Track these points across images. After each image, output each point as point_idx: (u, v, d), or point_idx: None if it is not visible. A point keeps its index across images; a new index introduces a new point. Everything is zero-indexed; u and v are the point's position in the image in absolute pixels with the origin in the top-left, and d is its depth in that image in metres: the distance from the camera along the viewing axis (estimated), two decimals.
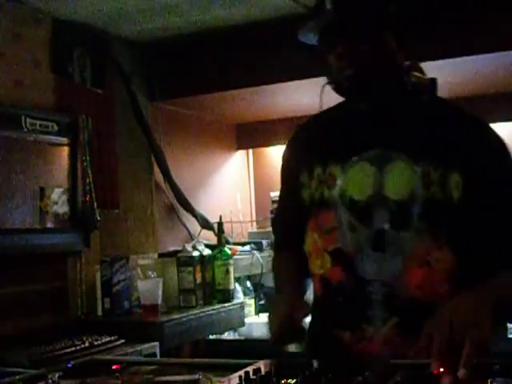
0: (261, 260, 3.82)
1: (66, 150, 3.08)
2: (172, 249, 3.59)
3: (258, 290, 3.92)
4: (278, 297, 1.68)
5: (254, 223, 4.49)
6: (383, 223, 1.50)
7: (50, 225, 2.98)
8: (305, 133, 1.74)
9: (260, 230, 4.34)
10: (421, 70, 1.65)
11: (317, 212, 1.60)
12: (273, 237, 1.88)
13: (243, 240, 4.09)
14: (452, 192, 1.49)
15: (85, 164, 3.11)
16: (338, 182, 1.56)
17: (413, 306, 1.48)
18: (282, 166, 1.75)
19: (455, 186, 1.49)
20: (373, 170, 1.53)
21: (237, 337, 3.64)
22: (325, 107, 1.69)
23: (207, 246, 3.46)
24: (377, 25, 1.53)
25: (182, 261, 3.26)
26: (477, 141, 1.54)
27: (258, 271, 3.83)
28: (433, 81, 1.65)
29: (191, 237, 3.83)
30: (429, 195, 1.49)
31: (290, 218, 1.73)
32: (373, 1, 1.56)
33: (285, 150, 1.75)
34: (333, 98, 1.64)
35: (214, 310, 3.23)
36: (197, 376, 1.41)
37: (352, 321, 1.54)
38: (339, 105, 1.68)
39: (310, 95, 3.88)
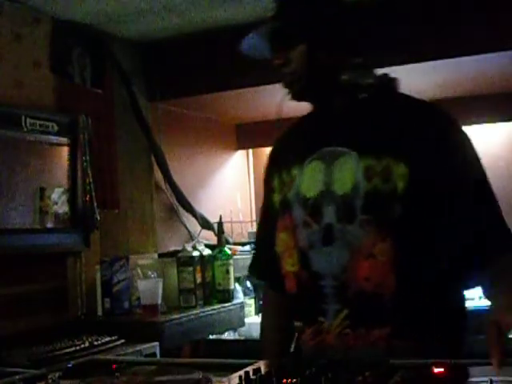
0: None
1: (65, 150, 3.08)
2: (172, 249, 3.59)
3: (257, 290, 3.92)
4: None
5: (254, 223, 4.49)
6: (331, 218, 1.55)
7: (50, 225, 2.98)
8: (277, 144, 1.82)
9: None
10: (370, 67, 1.66)
11: (282, 213, 1.66)
12: None
13: (243, 240, 4.09)
14: (396, 183, 1.50)
15: (85, 164, 3.11)
16: (296, 182, 1.63)
17: (362, 297, 1.52)
18: (263, 180, 1.81)
19: (400, 177, 1.50)
20: (323, 167, 1.58)
21: (237, 337, 3.64)
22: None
23: (207, 246, 3.46)
24: (311, 30, 1.59)
25: (182, 261, 3.26)
26: (425, 130, 1.55)
27: None
28: (384, 77, 1.66)
29: (191, 237, 3.84)
30: (370, 187, 1.51)
31: (270, 232, 1.73)
32: (307, 7, 1.60)
33: (264, 166, 1.83)
34: None
35: (213, 310, 3.23)
36: (197, 376, 1.41)
37: (310, 314, 1.59)
38: (308, 113, 1.76)
39: None
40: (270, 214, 1.73)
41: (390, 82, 1.66)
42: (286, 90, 1.66)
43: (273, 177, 1.72)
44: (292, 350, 1.61)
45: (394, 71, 3.57)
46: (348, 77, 1.60)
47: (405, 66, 3.24)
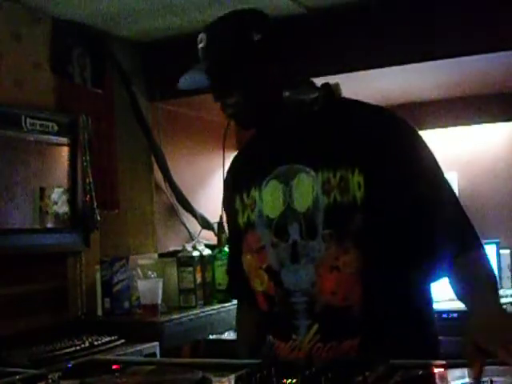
0: None
1: (65, 150, 3.08)
2: (172, 249, 3.59)
3: None
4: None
5: None
6: (296, 236, 1.56)
7: (50, 225, 2.98)
8: (235, 162, 1.83)
9: None
10: (307, 82, 1.65)
11: (246, 234, 1.67)
12: None
13: None
14: (355, 193, 1.50)
15: (85, 164, 3.11)
16: (257, 203, 1.63)
17: (330, 311, 1.53)
18: (223, 196, 1.82)
19: (357, 186, 1.50)
20: (281, 186, 1.59)
21: None
22: None
23: (207, 246, 3.46)
24: (243, 61, 1.57)
25: (182, 261, 3.26)
26: (375, 135, 1.54)
27: None
28: (326, 87, 1.64)
29: (191, 237, 3.83)
30: (330, 201, 1.52)
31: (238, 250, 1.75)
32: (233, 39, 1.59)
33: (224, 181, 1.84)
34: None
35: (213, 310, 3.23)
36: (197, 376, 1.41)
37: (284, 331, 1.61)
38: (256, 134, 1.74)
39: None
40: (237, 235, 1.73)
41: (332, 91, 1.64)
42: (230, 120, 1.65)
43: (234, 199, 1.71)
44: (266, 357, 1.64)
45: (393, 71, 3.59)
46: (291, 96, 1.59)
47: (405, 66, 3.25)
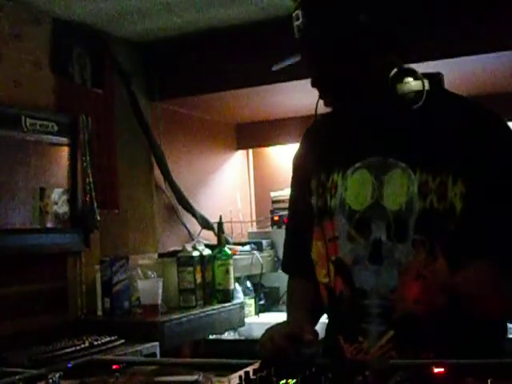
0: (261, 260, 3.82)
1: (65, 150, 3.08)
2: (172, 249, 3.59)
3: (258, 290, 3.92)
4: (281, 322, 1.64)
5: (254, 223, 4.49)
6: (380, 234, 1.47)
7: (50, 225, 2.98)
8: (313, 136, 1.70)
9: (260, 229, 4.34)
10: (413, 73, 1.51)
11: (320, 220, 1.57)
12: (274, 238, 1.86)
13: (243, 240, 4.09)
14: (454, 202, 1.42)
15: (85, 164, 3.11)
16: (339, 189, 1.53)
17: (410, 319, 1.44)
18: (294, 170, 1.72)
19: (458, 196, 1.42)
20: (371, 178, 1.49)
21: (237, 337, 3.64)
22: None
23: (207, 246, 3.46)
24: (346, 42, 1.47)
25: (182, 261, 3.26)
26: (484, 146, 1.44)
27: (258, 271, 3.83)
28: (433, 78, 1.53)
29: (191, 237, 3.84)
30: (425, 205, 1.44)
31: (302, 230, 1.67)
32: (339, 18, 1.47)
33: (295, 154, 1.73)
34: None
35: (213, 310, 3.23)
36: (197, 376, 1.41)
37: (350, 333, 1.52)
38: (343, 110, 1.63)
39: (310, 95, 3.88)
40: (304, 214, 1.63)
41: (439, 83, 1.54)
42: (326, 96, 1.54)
43: (310, 177, 1.61)
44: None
45: None
46: (401, 85, 1.48)
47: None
